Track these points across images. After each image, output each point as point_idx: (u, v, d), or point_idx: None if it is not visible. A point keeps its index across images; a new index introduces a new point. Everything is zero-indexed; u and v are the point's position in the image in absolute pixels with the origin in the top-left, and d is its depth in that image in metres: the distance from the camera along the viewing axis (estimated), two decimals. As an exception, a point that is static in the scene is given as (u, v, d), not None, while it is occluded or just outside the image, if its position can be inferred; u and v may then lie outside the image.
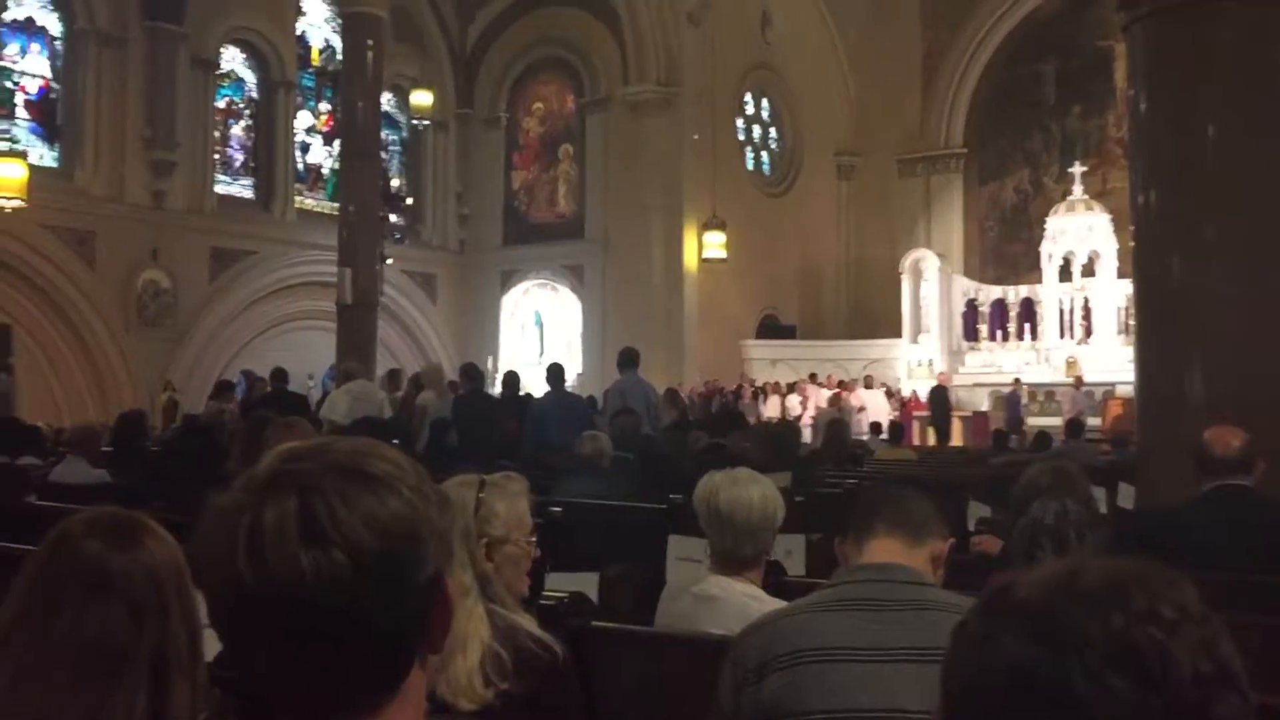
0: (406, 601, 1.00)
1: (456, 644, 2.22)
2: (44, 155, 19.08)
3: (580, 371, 23.01)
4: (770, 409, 21.56)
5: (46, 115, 19.29)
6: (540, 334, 25.28)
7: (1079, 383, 20.85)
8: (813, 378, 22.90)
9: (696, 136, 23.33)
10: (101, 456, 7.53)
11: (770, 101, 27.75)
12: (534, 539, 2.55)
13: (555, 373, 10.29)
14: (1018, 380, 21.53)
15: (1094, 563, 0.85)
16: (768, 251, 25.54)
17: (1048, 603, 0.82)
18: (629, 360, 9.88)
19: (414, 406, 11.15)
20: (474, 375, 12.00)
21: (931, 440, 20.59)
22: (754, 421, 16.68)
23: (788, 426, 8.73)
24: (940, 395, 20.92)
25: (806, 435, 15.67)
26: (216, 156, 21.59)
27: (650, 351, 20.82)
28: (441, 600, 1.04)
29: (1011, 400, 20.70)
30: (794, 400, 21.93)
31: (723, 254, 23.06)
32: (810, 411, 21.20)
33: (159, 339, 19.88)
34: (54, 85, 19.38)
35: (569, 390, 11.63)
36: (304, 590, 0.96)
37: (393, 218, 22.34)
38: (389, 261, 19.83)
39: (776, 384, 22.83)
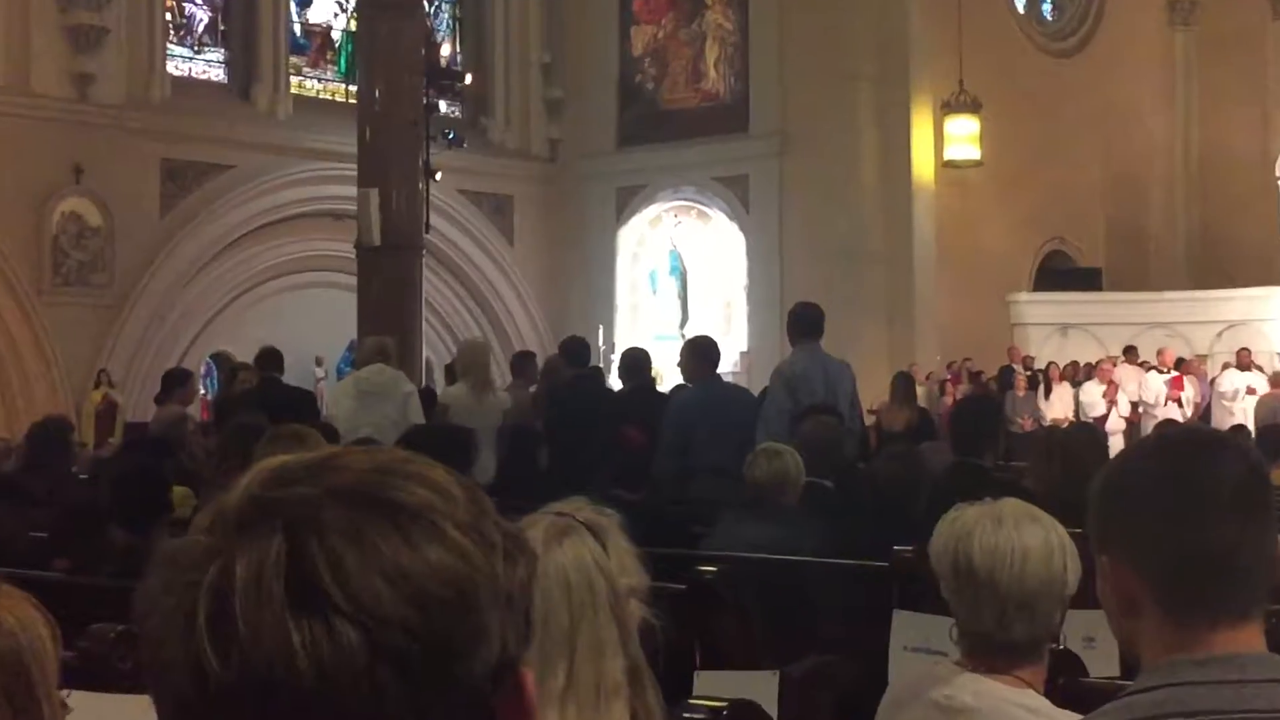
0: (455, 702, 1.02)
1: None
2: (-92, 25, 19.54)
3: (746, 349, 22.91)
4: (1057, 406, 21.13)
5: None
6: (681, 288, 25.36)
7: None
8: (1129, 354, 22.35)
9: (932, -39, 23.16)
10: (7, 486, 7.81)
11: (1054, -101, 27.38)
12: None
13: (702, 352, 10.42)
14: None
15: None
16: (1052, 147, 25.03)
17: None
18: (805, 325, 10.02)
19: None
20: (580, 356, 12.07)
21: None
22: (1031, 426, 17.00)
23: (1087, 435, 8.47)
24: None
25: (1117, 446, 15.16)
26: (169, 17, 21.89)
27: (861, 313, 20.97)
28: (514, 701, 1.05)
29: None
30: (1093, 391, 21.52)
31: (977, 153, 22.64)
32: (1123, 409, 20.65)
33: (87, 306, 20.29)
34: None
35: (727, 381, 11.69)
36: (294, 680, 0.97)
37: (443, 106, 22.37)
38: (438, 178, 19.91)
39: (1070, 366, 22.36)
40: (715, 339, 11.18)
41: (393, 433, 9.34)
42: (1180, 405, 20.75)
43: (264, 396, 10.98)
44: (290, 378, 13.35)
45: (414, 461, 1.08)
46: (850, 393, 9.74)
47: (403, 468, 1.06)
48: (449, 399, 11.30)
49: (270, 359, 12.38)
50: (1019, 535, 3.17)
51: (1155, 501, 2.16)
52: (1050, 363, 22.57)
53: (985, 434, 7.98)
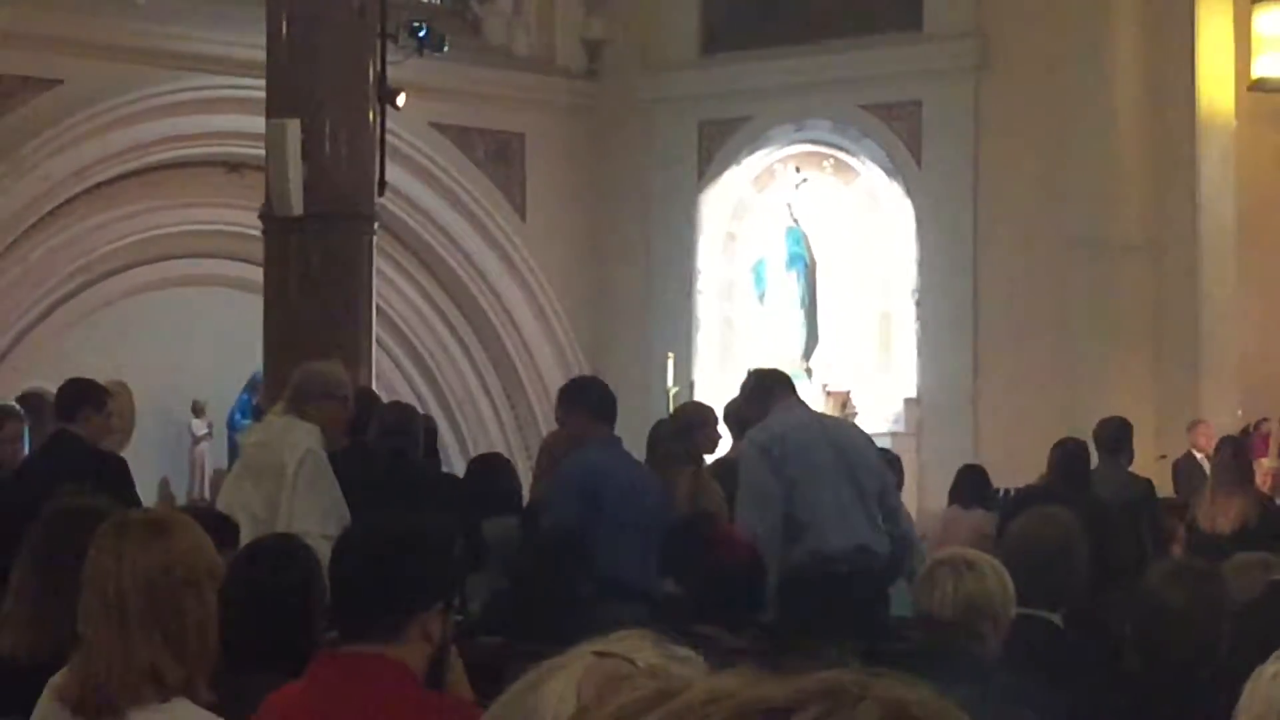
0: None
1: None
2: None
3: (915, 394, 19.91)
4: None
5: None
6: (805, 291, 20.83)
7: None
8: None
9: None
10: None
11: None
12: None
13: (587, 396, 9.46)
14: None
15: None
16: None
17: None
18: (770, 383, 9.30)
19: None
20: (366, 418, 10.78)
21: None
22: None
23: None
24: None
25: None
26: None
27: (1110, 337, 18.46)
28: None
29: None
30: None
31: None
32: None
33: None
34: None
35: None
36: None
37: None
38: (400, 103, 16.52)
39: None
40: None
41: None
42: None
43: (65, 463, 9.44)
44: (152, 436, 12.76)
45: None
46: (888, 472, 9.24)
47: None
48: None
49: (76, 397, 10.13)
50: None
51: None
52: None
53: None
